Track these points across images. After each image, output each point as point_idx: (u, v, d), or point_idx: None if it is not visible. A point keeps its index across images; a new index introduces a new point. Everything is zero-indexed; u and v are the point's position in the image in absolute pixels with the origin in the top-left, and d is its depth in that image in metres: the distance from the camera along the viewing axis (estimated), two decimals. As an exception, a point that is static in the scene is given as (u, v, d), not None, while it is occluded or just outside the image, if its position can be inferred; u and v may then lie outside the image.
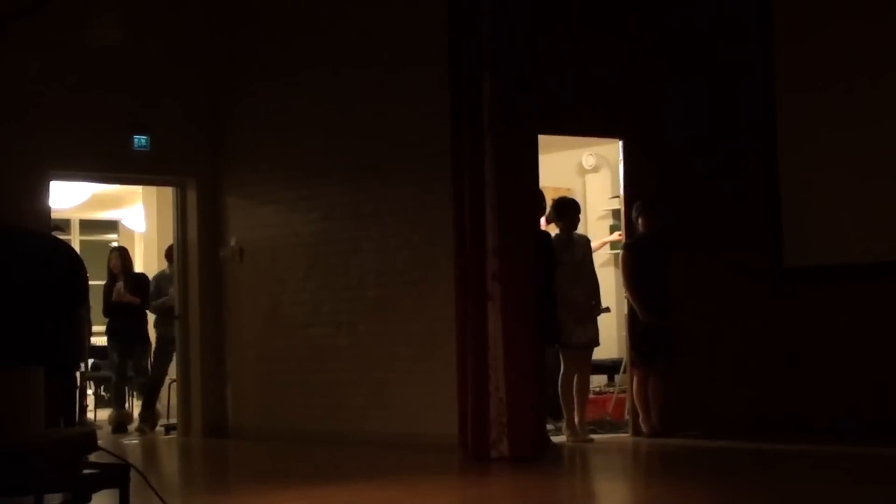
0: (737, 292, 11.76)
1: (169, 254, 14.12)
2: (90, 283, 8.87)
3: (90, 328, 14.40)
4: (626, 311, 11.74)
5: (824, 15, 11.64)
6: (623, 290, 11.67)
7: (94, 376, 15.24)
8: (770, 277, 11.70)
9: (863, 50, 11.34)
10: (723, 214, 11.86)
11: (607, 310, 11.82)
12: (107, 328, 14.28)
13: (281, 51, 12.60)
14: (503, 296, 9.93)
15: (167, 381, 14.05)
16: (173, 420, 13.74)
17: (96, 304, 13.87)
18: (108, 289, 14.02)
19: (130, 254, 15.11)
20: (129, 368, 14.10)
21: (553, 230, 11.33)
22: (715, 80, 11.94)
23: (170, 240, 13.75)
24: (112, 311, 14.02)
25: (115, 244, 16.27)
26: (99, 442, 5.41)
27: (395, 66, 11.49)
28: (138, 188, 15.88)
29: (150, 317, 14.18)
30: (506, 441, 9.82)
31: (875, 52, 11.28)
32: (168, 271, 14.06)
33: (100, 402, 15.90)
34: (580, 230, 11.72)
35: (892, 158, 11.06)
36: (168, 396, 14.24)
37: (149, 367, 14.07)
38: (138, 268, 15.19)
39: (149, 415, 13.91)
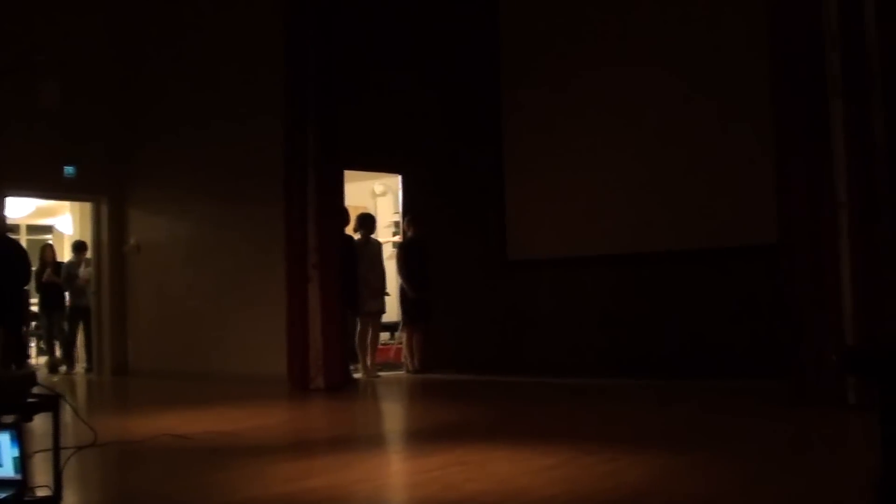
0: (475, 276, 11.83)
1: (75, 247, 13.83)
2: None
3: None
4: (398, 289, 11.74)
5: (545, 74, 11.43)
6: (398, 275, 11.65)
7: (34, 334, 14.86)
8: (497, 266, 11.80)
9: (578, 94, 11.16)
10: (466, 225, 11.93)
11: (388, 294, 11.67)
12: (39, 300, 13.92)
13: (171, 108, 12.40)
14: (319, 279, 9.94)
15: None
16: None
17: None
18: (39, 273, 13.63)
19: (58, 250, 14.79)
20: (55, 328, 13.76)
21: (356, 235, 11.27)
22: (459, 129, 11.93)
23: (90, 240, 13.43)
24: (42, 288, 13.70)
25: (49, 241, 15.81)
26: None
27: (247, 121, 11.34)
28: (67, 203, 15.51)
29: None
30: (321, 376, 9.87)
31: (590, 95, 11.02)
32: (74, 259, 13.77)
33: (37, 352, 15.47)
34: (374, 235, 11.68)
35: (588, 192, 11.02)
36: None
37: (65, 327, 13.72)
38: (65, 260, 14.85)
39: (70, 360, 13.60)
